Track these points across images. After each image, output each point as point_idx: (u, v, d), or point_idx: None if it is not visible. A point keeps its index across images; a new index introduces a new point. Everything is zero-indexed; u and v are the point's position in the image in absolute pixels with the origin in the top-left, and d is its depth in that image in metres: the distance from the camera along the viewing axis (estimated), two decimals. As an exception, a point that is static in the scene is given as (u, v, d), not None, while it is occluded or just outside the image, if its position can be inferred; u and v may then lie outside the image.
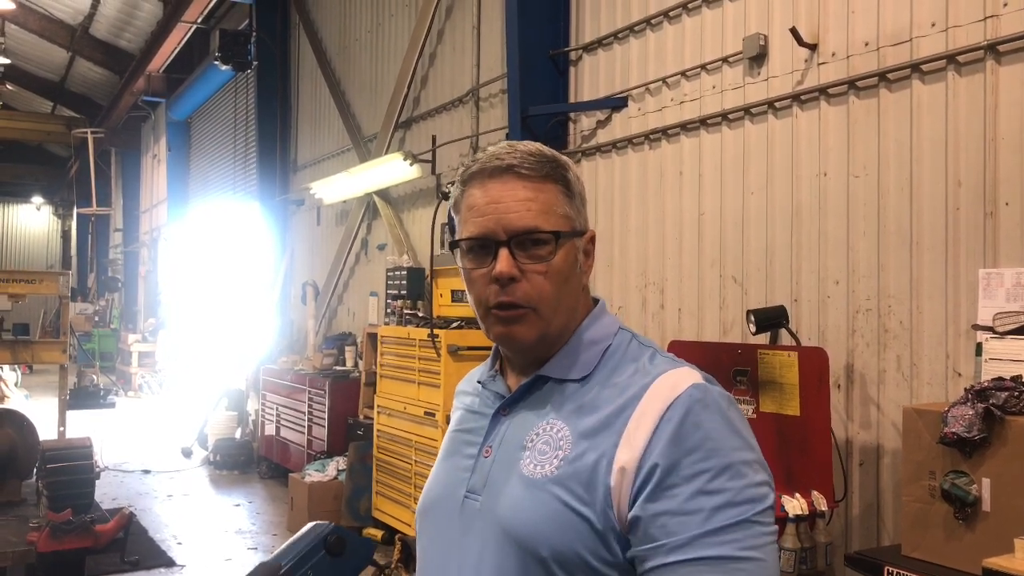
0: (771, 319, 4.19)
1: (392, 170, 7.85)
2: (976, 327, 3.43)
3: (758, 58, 4.54)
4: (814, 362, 3.74)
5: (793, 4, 4.36)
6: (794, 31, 4.22)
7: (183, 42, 14.08)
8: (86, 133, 18.15)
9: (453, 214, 1.35)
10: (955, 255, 3.63)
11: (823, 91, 4.21)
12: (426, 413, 5.83)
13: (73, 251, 26.52)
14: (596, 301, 1.38)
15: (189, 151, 16.80)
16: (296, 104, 11.24)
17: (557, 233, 1.27)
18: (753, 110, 4.59)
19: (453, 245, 1.33)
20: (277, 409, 8.85)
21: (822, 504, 3.55)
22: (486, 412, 1.36)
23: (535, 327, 1.28)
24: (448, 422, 1.49)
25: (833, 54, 4.17)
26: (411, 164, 7.49)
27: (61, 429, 6.28)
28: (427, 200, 7.83)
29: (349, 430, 7.49)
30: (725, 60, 4.75)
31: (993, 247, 3.49)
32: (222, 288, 13.86)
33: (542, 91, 5.93)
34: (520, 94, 5.87)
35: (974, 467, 2.85)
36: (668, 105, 5.16)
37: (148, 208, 19.13)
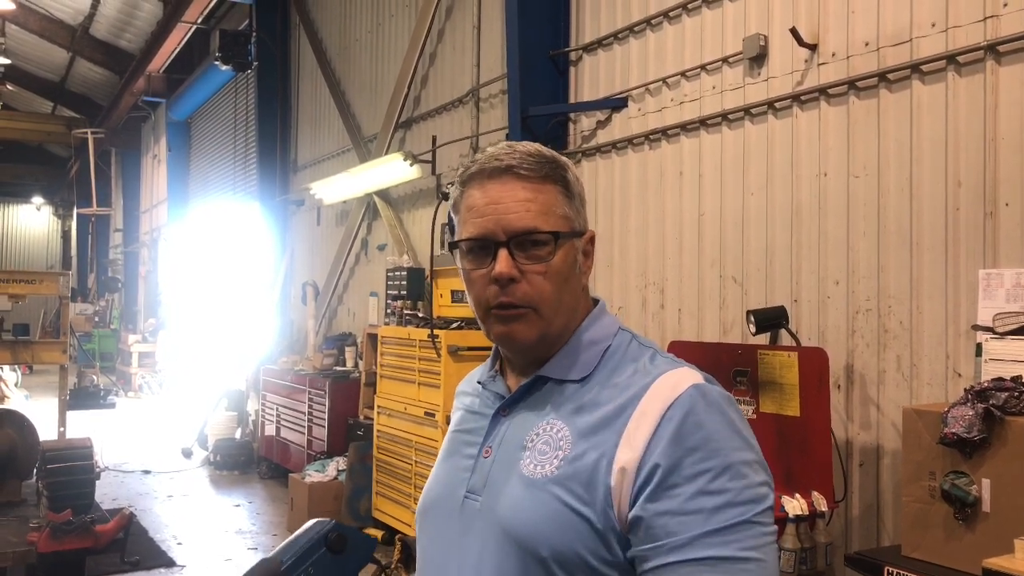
0: (771, 319, 4.19)
1: (392, 170, 7.85)
2: (976, 327, 3.43)
3: (758, 58, 4.54)
4: (814, 362, 3.74)
5: (793, 4, 4.36)
6: (794, 31, 4.22)
7: (183, 42, 14.09)
8: (86, 133, 18.16)
9: (452, 215, 1.36)
10: (955, 255, 3.63)
11: (823, 91, 4.21)
12: (426, 413, 5.83)
13: (73, 251, 26.52)
14: (596, 302, 1.38)
15: (189, 151, 16.80)
16: (296, 104, 11.24)
17: (556, 234, 1.27)
18: (753, 110, 4.59)
19: (452, 246, 1.34)
20: (277, 409, 8.85)
21: (822, 504, 3.55)
22: (486, 412, 1.36)
23: (536, 326, 1.28)
24: (448, 422, 1.49)
25: (833, 54, 4.17)
26: (411, 164, 7.50)
27: (61, 429, 6.28)
28: (427, 200, 7.83)
29: (349, 430, 7.49)
30: (725, 60, 4.75)
31: (993, 247, 3.49)
32: (222, 288, 13.86)
33: (542, 91, 5.93)
34: (520, 94, 5.87)
35: (974, 467, 2.85)
36: (668, 105, 5.16)
37: (148, 208, 19.13)
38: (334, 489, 6.85)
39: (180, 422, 11.76)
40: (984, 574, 2.54)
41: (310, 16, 10.76)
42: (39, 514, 5.15)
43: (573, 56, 5.96)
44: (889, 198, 3.90)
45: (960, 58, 3.63)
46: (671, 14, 5.12)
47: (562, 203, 1.30)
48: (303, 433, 8.17)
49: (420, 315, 6.44)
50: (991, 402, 2.85)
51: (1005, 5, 3.47)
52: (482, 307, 1.30)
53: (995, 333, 3.26)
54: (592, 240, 1.36)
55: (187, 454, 9.91)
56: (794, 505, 3.44)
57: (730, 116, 4.73)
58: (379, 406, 6.52)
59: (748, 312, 4.22)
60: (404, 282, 6.81)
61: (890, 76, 3.91)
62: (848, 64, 4.10)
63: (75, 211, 23.28)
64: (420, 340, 5.94)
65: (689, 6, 4.99)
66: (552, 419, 1.27)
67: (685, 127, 5.02)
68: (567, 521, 1.18)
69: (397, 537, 5.57)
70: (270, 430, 9.00)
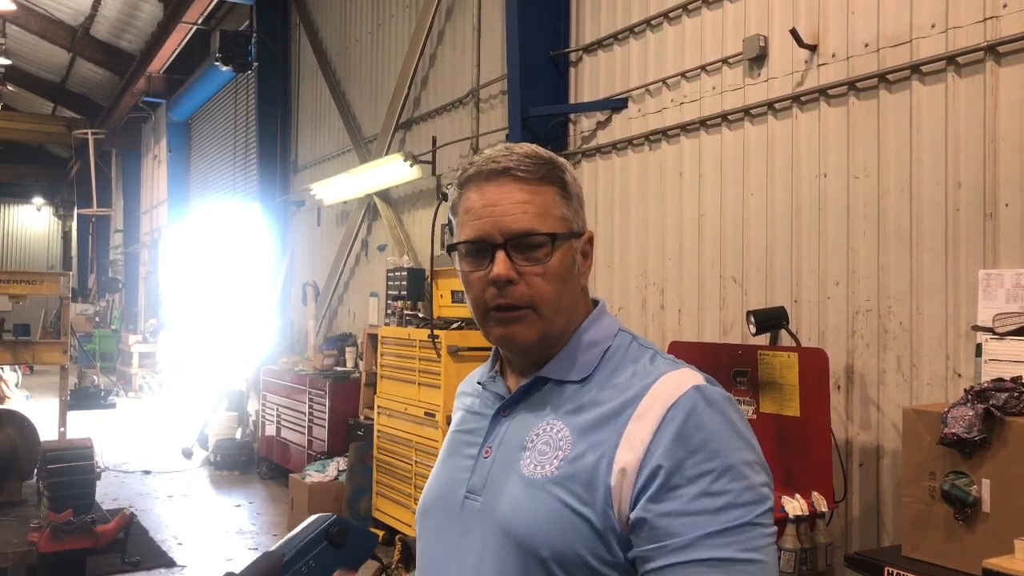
0: (771, 320, 4.19)
1: (392, 171, 7.85)
2: (976, 328, 3.43)
3: (758, 59, 4.54)
4: (814, 363, 3.74)
5: (793, 5, 4.37)
6: (794, 32, 4.23)
7: (183, 43, 14.10)
8: (87, 134, 18.18)
9: (451, 217, 1.36)
10: (955, 256, 3.63)
11: (823, 92, 4.21)
12: (426, 414, 5.83)
13: (74, 252, 26.52)
14: (596, 303, 1.39)
15: (189, 152, 16.81)
16: (296, 105, 11.25)
17: (553, 235, 1.28)
18: (753, 111, 4.59)
19: (451, 248, 1.34)
20: (277, 410, 8.86)
21: (822, 505, 3.55)
22: (486, 413, 1.36)
23: (536, 327, 1.28)
24: (448, 423, 1.49)
25: (833, 55, 4.18)
26: (411, 165, 7.50)
27: (62, 430, 6.29)
28: (427, 201, 7.83)
29: (349, 431, 7.50)
30: (725, 61, 4.76)
31: (993, 248, 3.49)
32: (223, 289, 13.87)
33: (542, 92, 5.94)
34: (520, 95, 5.87)
35: (974, 468, 2.85)
36: (668, 106, 5.16)
37: (148, 209, 19.13)
38: (334, 489, 6.85)
39: (180, 422, 11.76)
40: (984, 574, 2.54)
41: (310, 17, 10.76)
42: (40, 514, 5.16)
43: (573, 57, 5.97)
44: (889, 199, 3.91)
45: (960, 59, 3.63)
46: (671, 15, 5.13)
47: (559, 204, 1.30)
48: (303, 433, 8.18)
49: (420, 315, 6.44)
50: (991, 402, 2.85)
51: (1005, 6, 3.48)
52: (480, 309, 1.31)
53: (995, 334, 3.26)
54: (591, 240, 1.36)
55: (187, 454, 9.91)
56: (794, 505, 3.45)
57: (730, 117, 4.73)
58: (379, 406, 6.52)
59: (748, 312, 4.22)
60: (404, 282, 6.81)
61: (890, 77, 3.91)
62: (848, 65, 4.10)
63: (75, 212, 23.29)
64: (420, 340, 5.94)
65: (689, 7, 5.00)
66: (552, 419, 1.27)
67: (685, 128, 5.02)
68: (567, 521, 1.18)
69: (397, 537, 5.57)
70: (270, 430, 9.00)
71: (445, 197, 6.03)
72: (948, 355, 3.64)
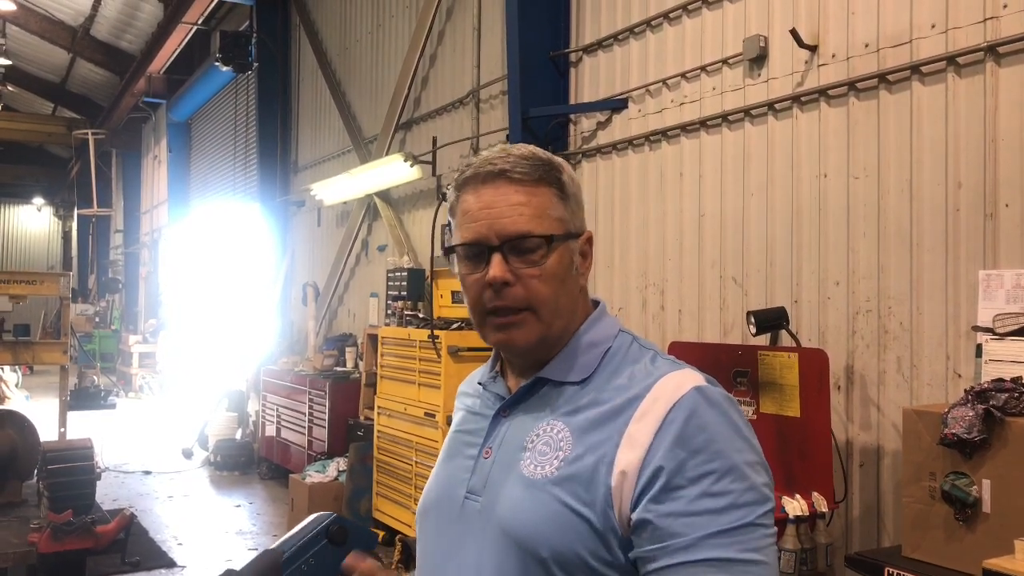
0: (771, 320, 4.19)
1: (393, 171, 7.85)
2: (976, 328, 3.43)
3: (758, 59, 4.54)
4: (814, 363, 3.74)
5: (793, 5, 4.37)
6: (794, 32, 4.23)
7: (184, 43, 14.10)
8: (87, 134, 18.18)
9: (450, 219, 1.36)
10: (955, 256, 3.63)
11: (823, 92, 4.21)
12: (426, 414, 5.83)
13: (74, 252, 26.53)
14: (596, 303, 1.39)
15: (190, 152, 16.81)
16: (297, 105, 11.25)
17: (549, 237, 1.27)
18: (753, 111, 4.59)
19: (449, 251, 1.34)
20: (277, 410, 8.86)
21: (822, 505, 3.55)
22: (487, 413, 1.36)
23: (534, 330, 1.28)
24: (448, 423, 1.49)
25: (833, 55, 4.18)
26: (412, 165, 7.50)
27: (62, 430, 6.29)
28: (428, 201, 7.83)
29: (349, 431, 7.49)
30: (725, 62, 4.76)
31: (993, 248, 3.49)
32: (223, 289, 13.87)
33: (542, 92, 5.94)
34: (520, 95, 5.87)
35: (974, 468, 2.85)
36: (668, 107, 5.16)
37: (149, 209, 19.14)
38: (334, 490, 6.85)
39: (181, 423, 11.76)
40: (984, 575, 2.54)
41: (310, 17, 10.77)
42: (40, 515, 5.16)
43: (573, 57, 5.97)
44: (889, 199, 3.91)
45: (960, 59, 3.63)
46: (671, 15, 5.13)
47: (556, 205, 1.30)
48: (303, 434, 8.18)
49: (420, 316, 6.44)
50: (991, 403, 2.85)
51: (1005, 6, 3.48)
52: (478, 312, 1.31)
53: (995, 334, 3.26)
54: (590, 241, 1.36)
55: (187, 455, 9.91)
56: (794, 506, 3.45)
57: (730, 117, 4.73)
58: (379, 407, 6.52)
59: (748, 313, 4.22)
60: (404, 283, 6.81)
61: (890, 77, 3.91)
62: (848, 65, 4.10)
63: (76, 212, 23.30)
64: (420, 341, 5.94)
65: (689, 7, 5.00)
66: (552, 420, 1.27)
67: (685, 128, 5.02)
68: (567, 522, 1.18)
69: (397, 538, 5.58)
70: (270, 431, 9.00)
71: (445, 197, 6.01)
72: (948, 355, 3.64)
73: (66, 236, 28.83)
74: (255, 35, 11.24)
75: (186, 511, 7.66)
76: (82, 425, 8.79)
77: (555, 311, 1.29)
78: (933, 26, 3.74)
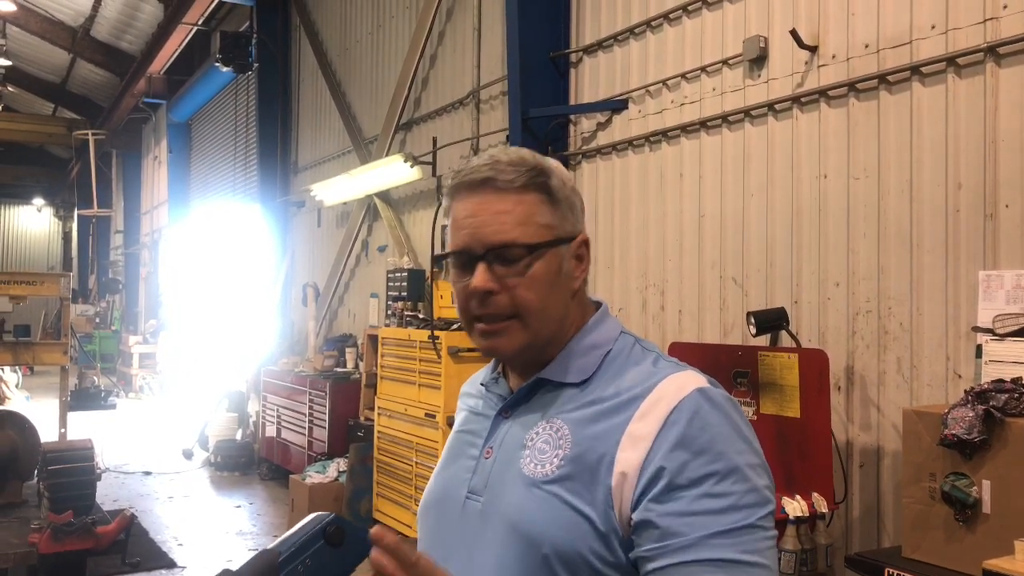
0: (771, 321, 4.19)
1: (393, 172, 7.86)
2: (976, 329, 3.43)
3: (758, 60, 4.54)
4: (814, 364, 3.74)
5: (793, 6, 4.37)
6: (794, 33, 4.23)
7: (184, 44, 14.10)
8: (87, 135, 18.18)
9: (446, 224, 1.37)
10: (955, 257, 3.63)
11: (823, 93, 4.21)
12: (427, 415, 5.83)
13: (74, 253, 26.54)
14: (599, 305, 1.39)
15: (190, 153, 16.81)
16: (297, 106, 11.25)
17: (534, 245, 1.27)
18: (753, 112, 4.59)
19: (442, 258, 1.35)
20: (278, 411, 8.86)
21: (822, 506, 3.55)
22: (488, 414, 1.37)
23: (519, 337, 1.28)
24: (449, 424, 1.50)
25: (833, 56, 4.18)
26: (412, 166, 7.50)
27: (62, 431, 6.29)
28: (428, 202, 7.83)
29: (350, 432, 7.49)
30: (725, 62, 4.76)
31: (993, 249, 3.49)
32: (223, 290, 13.87)
33: (542, 93, 5.94)
34: (520, 96, 5.87)
35: (974, 469, 2.85)
36: (668, 107, 5.17)
37: (149, 210, 19.14)
38: (335, 490, 6.86)
39: (181, 423, 11.76)
40: (984, 575, 2.55)
41: (311, 18, 10.77)
42: (40, 515, 5.16)
43: (573, 58, 5.97)
44: (889, 200, 3.91)
45: (960, 60, 3.63)
46: (671, 16, 5.13)
47: (544, 211, 1.29)
48: (304, 434, 8.18)
49: (420, 316, 6.44)
50: (991, 404, 2.85)
51: (1005, 7, 3.48)
52: (466, 318, 1.32)
53: (995, 335, 3.26)
54: (586, 244, 1.35)
55: (188, 455, 9.92)
56: (794, 506, 3.45)
57: (730, 118, 4.73)
58: (380, 407, 6.52)
59: (748, 313, 4.22)
60: (404, 283, 6.82)
61: (890, 78, 3.91)
62: (848, 66, 4.10)
63: (76, 212, 23.31)
64: (420, 341, 5.94)
65: (689, 8, 5.00)
66: (552, 419, 1.27)
67: (685, 129, 5.02)
68: (568, 520, 1.18)
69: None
70: (271, 431, 9.00)
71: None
72: (948, 356, 3.64)
73: (66, 237, 28.84)
74: (255, 36, 11.24)
75: (186, 512, 7.66)
76: (82, 426, 8.80)
77: (542, 318, 1.28)
78: (933, 27, 3.74)
